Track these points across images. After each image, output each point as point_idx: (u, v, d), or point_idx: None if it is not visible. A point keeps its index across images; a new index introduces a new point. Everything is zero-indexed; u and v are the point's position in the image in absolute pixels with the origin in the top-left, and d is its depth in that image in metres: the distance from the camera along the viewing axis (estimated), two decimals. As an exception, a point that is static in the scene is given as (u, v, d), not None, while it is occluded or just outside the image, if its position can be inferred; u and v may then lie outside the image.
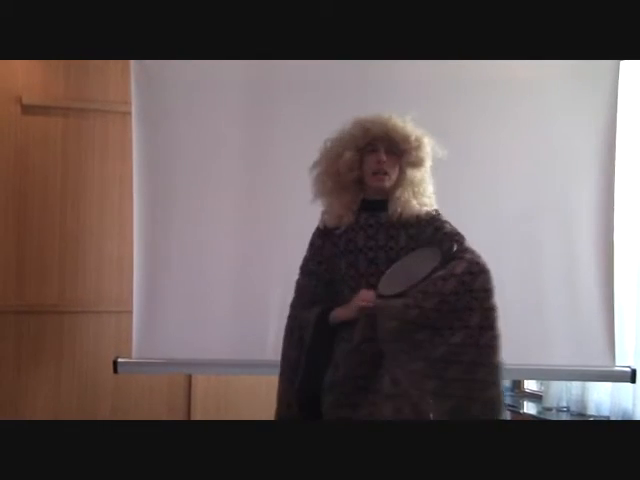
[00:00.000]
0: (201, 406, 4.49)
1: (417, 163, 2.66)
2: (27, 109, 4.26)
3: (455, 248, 2.56)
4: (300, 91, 3.49)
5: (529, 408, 4.26)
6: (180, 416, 4.47)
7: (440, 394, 2.41)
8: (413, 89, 3.42)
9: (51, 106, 4.29)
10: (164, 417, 4.40)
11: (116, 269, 4.35)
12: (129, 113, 3.59)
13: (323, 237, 2.72)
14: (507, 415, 2.55)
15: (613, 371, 3.47)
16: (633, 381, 3.45)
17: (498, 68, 3.38)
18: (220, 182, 3.54)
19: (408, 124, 2.66)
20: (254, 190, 3.53)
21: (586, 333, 3.46)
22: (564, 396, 4.08)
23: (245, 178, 3.55)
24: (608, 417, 3.82)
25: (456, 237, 2.61)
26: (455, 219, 2.70)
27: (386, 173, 2.63)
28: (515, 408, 4.25)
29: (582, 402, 3.96)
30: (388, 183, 2.64)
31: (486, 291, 2.48)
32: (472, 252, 2.56)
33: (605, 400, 3.88)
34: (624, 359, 3.61)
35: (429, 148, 2.67)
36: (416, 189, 2.65)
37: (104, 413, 4.34)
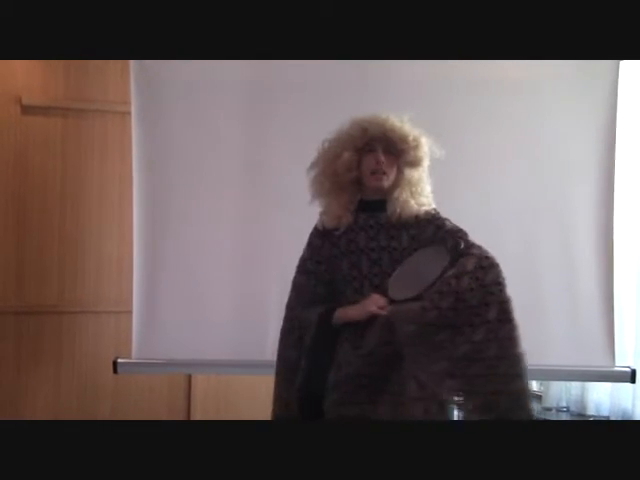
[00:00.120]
0: (201, 406, 4.49)
1: (415, 163, 2.66)
2: (27, 109, 4.26)
3: (462, 245, 2.57)
4: (299, 91, 3.50)
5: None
6: (180, 416, 4.47)
7: (466, 392, 2.42)
8: (411, 89, 3.42)
9: (51, 106, 4.29)
10: (164, 417, 4.40)
11: (115, 269, 4.34)
12: (128, 113, 3.59)
13: (322, 237, 2.72)
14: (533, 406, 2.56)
15: (613, 371, 3.47)
16: (633, 381, 3.45)
17: (498, 68, 3.38)
18: (219, 182, 3.55)
19: (406, 124, 2.66)
20: (253, 190, 3.54)
21: (586, 333, 3.46)
22: (564, 396, 4.07)
23: (244, 178, 3.55)
24: (608, 417, 3.82)
25: (459, 234, 2.62)
26: (452, 219, 2.70)
27: (384, 173, 2.63)
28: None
29: (582, 402, 3.95)
30: (386, 183, 2.65)
31: (499, 284, 2.49)
32: (478, 247, 2.58)
33: (605, 400, 3.87)
34: (624, 359, 3.61)
35: (427, 148, 2.67)
36: (414, 189, 2.66)
37: (104, 413, 4.34)
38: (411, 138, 2.64)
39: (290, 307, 2.76)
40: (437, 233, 2.63)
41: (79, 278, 4.34)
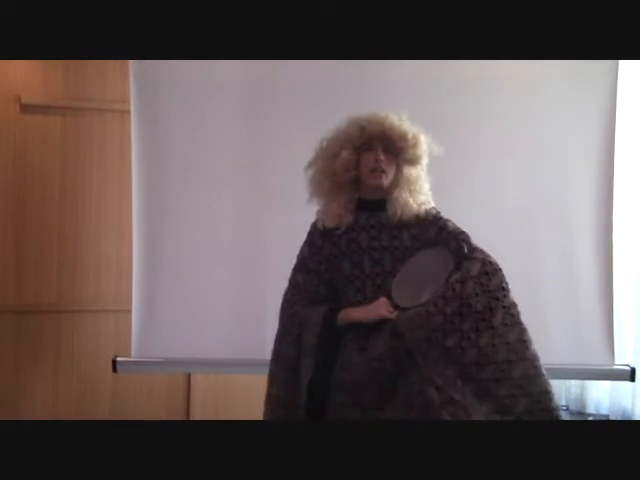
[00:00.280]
0: (200, 406, 4.49)
1: (414, 161, 2.65)
2: (26, 108, 4.26)
3: (466, 249, 2.56)
4: (299, 91, 3.50)
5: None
6: (179, 416, 4.47)
7: (481, 396, 2.42)
8: (412, 88, 3.42)
9: (50, 105, 4.28)
10: (163, 417, 4.39)
11: (114, 268, 4.34)
12: (128, 112, 3.59)
13: (322, 237, 2.71)
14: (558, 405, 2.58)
15: (612, 369, 3.48)
16: (632, 379, 3.45)
17: (497, 68, 3.38)
18: (218, 181, 3.55)
19: (405, 122, 2.65)
20: (252, 189, 3.54)
21: (585, 331, 3.46)
22: (563, 395, 4.08)
23: (243, 177, 3.55)
24: (607, 416, 3.83)
25: (462, 236, 2.62)
26: (451, 219, 2.70)
27: (384, 171, 2.62)
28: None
29: (581, 401, 3.96)
30: (386, 181, 2.63)
31: (503, 289, 2.50)
32: (481, 251, 2.58)
33: (604, 399, 3.88)
34: (623, 357, 3.61)
35: (425, 146, 2.66)
36: (413, 187, 2.65)
37: (103, 412, 4.34)
38: (410, 136, 2.62)
39: (289, 305, 2.73)
40: (440, 234, 2.63)
41: (78, 277, 4.34)
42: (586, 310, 3.47)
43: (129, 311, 3.59)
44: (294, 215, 3.37)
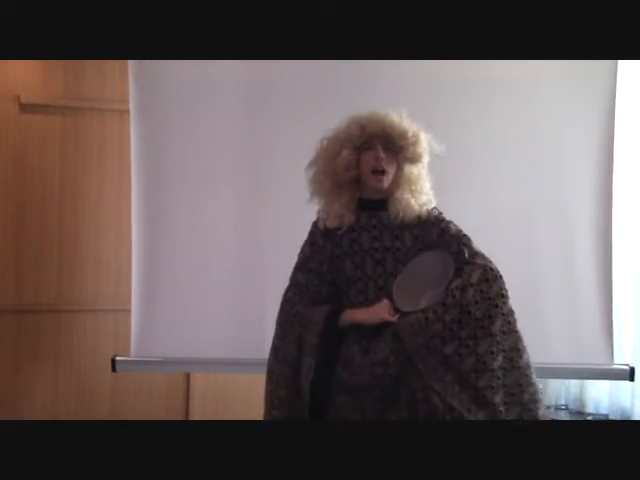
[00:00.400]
0: (199, 406, 4.49)
1: (415, 159, 2.63)
2: (25, 108, 4.26)
3: (467, 254, 2.56)
4: (298, 91, 3.50)
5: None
6: (178, 416, 4.47)
7: (479, 403, 2.41)
8: (410, 88, 3.42)
9: (49, 105, 4.29)
10: (162, 416, 4.39)
11: (114, 268, 4.34)
12: (127, 111, 3.59)
13: (324, 237, 2.69)
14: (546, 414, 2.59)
15: (611, 369, 3.47)
16: (632, 379, 3.45)
17: (495, 68, 3.38)
18: (218, 181, 3.55)
19: (405, 120, 2.63)
20: (252, 189, 3.53)
21: (584, 331, 3.46)
22: (562, 394, 4.09)
23: (243, 177, 3.55)
24: (607, 415, 3.83)
25: (463, 239, 2.61)
26: (451, 218, 2.69)
27: (384, 172, 2.60)
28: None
29: (580, 400, 3.97)
30: (386, 183, 2.62)
31: (503, 296, 2.49)
32: (482, 256, 2.58)
33: (603, 398, 3.88)
34: (622, 357, 3.61)
35: (426, 144, 2.65)
36: (414, 187, 2.63)
37: (102, 412, 4.34)
38: (410, 134, 2.61)
39: (290, 305, 2.71)
40: (442, 236, 2.62)
41: (77, 277, 4.34)
42: (585, 310, 3.46)
43: (128, 311, 3.59)
44: (293, 215, 3.37)
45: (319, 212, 2.72)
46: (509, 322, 2.48)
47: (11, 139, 4.25)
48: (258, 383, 4.36)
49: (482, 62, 3.17)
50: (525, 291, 3.35)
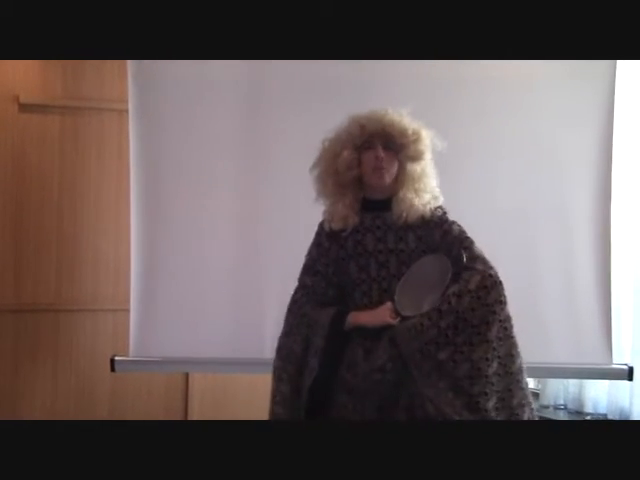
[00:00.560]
0: (198, 406, 4.49)
1: (416, 157, 2.61)
2: (24, 107, 4.26)
3: (465, 258, 2.54)
4: (298, 91, 3.49)
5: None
6: (177, 416, 4.47)
7: (472, 409, 2.40)
8: (411, 87, 3.41)
9: (48, 105, 4.29)
10: (161, 416, 4.39)
11: (113, 267, 4.34)
12: (126, 111, 3.59)
13: (329, 239, 2.69)
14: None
15: (610, 369, 3.47)
16: (630, 379, 3.45)
17: (494, 68, 3.37)
18: (217, 181, 3.54)
19: (405, 118, 2.62)
20: (252, 189, 3.53)
21: (583, 331, 3.46)
22: (561, 394, 4.09)
23: (243, 177, 3.54)
24: (605, 415, 3.83)
25: (465, 243, 2.59)
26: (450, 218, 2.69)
27: (385, 168, 2.59)
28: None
29: (579, 400, 3.97)
30: (388, 179, 2.61)
31: (501, 303, 2.47)
32: (483, 260, 2.55)
33: (602, 398, 3.89)
34: (621, 357, 3.62)
35: (428, 141, 2.63)
36: (417, 185, 2.61)
37: (101, 412, 4.34)
38: (410, 132, 2.60)
39: (297, 306, 2.71)
40: (444, 239, 2.60)
41: (76, 276, 4.34)
42: (584, 309, 3.46)
43: (127, 310, 3.58)
44: (292, 215, 3.39)
45: (324, 213, 2.72)
46: (505, 328, 2.47)
47: (10, 139, 4.25)
48: (257, 383, 4.39)
49: (480, 62, 3.17)
50: (524, 291, 3.36)
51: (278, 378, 2.67)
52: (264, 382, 4.01)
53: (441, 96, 3.45)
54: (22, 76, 4.26)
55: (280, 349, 2.71)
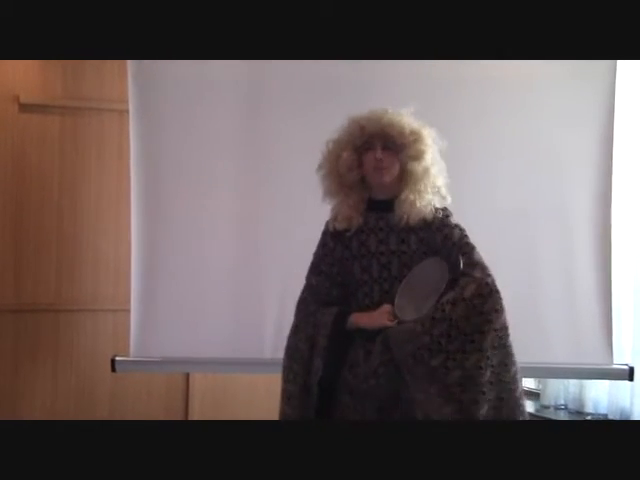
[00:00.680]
0: (198, 406, 4.49)
1: (416, 156, 2.59)
2: (24, 108, 4.26)
3: (462, 265, 2.52)
4: (298, 91, 3.49)
5: (527, 406, 4.25)
6: (178, 416, 4.47)
7: (461, 417, 2.39)
8: (411, 87, 3.40)
9: (48, 105, 4.29)
10: (162, 417, 4.39)
11: (113, 267, 4.35)
12: (126, 111, 3.59)
13: (334, 239, 2.69)
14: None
15: (611, 369, 3.47)
16: (631, 379, 3.45)
17: (494, 68, 3.37)
18: (218, 181, 3.54)
19: (404, 118, 2.61)
20: (252, 189, 3.53)
21: (584, 331, 3.46)
22: (562, 394, 4.08)
23: (243, 177, 3.54)
24: (606, 415, 3.83)
25: (464, 249, 2.57)
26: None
27: (385, 168, 2.58)
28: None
29: (580, 400, 3.96)
30: (388, 179, 2.60)
31: (496, 311, 2.45)
32: (482, 268, 2.54)
33: (603, 398, 3.88)
34: (622, 357, 3.61)
35: (429, 140, 2.62)
36: (419, 186, 2.59)
37: (101, 412, 4.34)
38: (408, 132, 2.59)
39: (304, 305, 2.72)
40: (444, 243, 2.59)
41: (76, 276, 4.35)
42: (585, 309, 3.46)
43: (127, 310, 3.58)
44: (293, 215, 3.39)
45: (332, 210, 2.72)
46: (501, 337, 2.45)
47: (10, 139, 4.26)
48: (257, 383, 4.39)
49: (480, 62, 3.17)
50: (524, 291, 3.36)
51: (286, 378, 2.68)
52: (264, 382, 4.04)
53: (441, 96, 3.44)
54: (22, 76, 4.26)
55: (288, 348, 2.71)
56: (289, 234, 3.41)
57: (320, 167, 2.70)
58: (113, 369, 3.57)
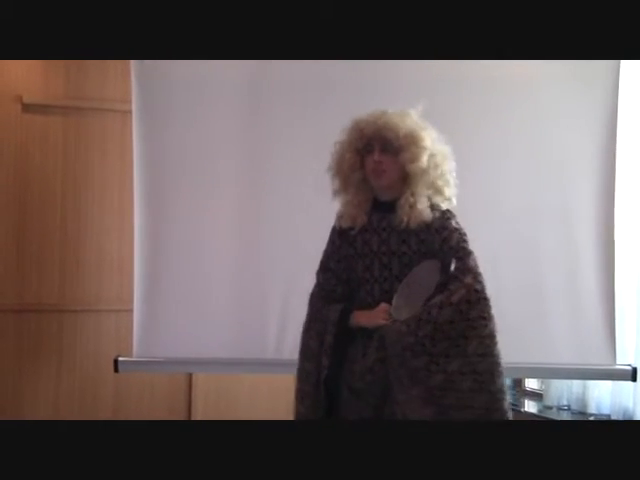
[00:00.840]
0: (201, 406, 4.49)
1: (414, 159, 2.59)
2: (27, 108, 4.26)
3: (453, 267, 2.52)
4: (300, 91, 3.49)
5: (530, 406, 4.26)
6: (180, 416, 4.47)
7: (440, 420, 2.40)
8: (412, 88, 3.40)
9: (51, 105, 4.30)
10: (164, 417, 4.39)
11: (116, 268, 4.35)
12: (128, 112, 3.59)
13: (340, 237, 2.71)
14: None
15: (614, 369, 3.47)
16: (634, 379, 3.45)
17: (497, 68, 3.37)
18: (220, 181, 3.54)
19: (403, 119, 2.61)
20: (255, 189, 3.53)
21: (587, 331, 3.46)
22: (565, 394, 4.08)
23: (245, 177, 3.55)
24: (609, 415, 3.82)
25: (460, 253, 2.57)
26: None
27: (383, 170, 2.60)
28: (516, 406, 4.26)
29: (583, 400, 3.96)
30: (386, 181, 2.62)
31: (484, 319, 2.46)
32: (474, 274, 2.53)
33: (606, 398, 3.87)
34: (624, 357, 3.61)
35: (426, 142, 2.60)
36: (418, 188, 2.60)
37: (105, 412, 4.34)
38: (403, 134, 2.58)
39: (314, 301, 2.75)
40: (442, 246, 2.58)
41: (80, 276, 4.35)
42: (588, 310, 3.46)
43: (130, 311, 3.59)
44: (295, 215, 3.39)
45: (338, 212, 2.75)
46: (487, 345, 2.44)
47: (13, 139, 4.26)
48: (260, 383, 4.39)
49: (483, 62, 3.16)
50: (528, 292, 3.36)
51: (298, 377, 2.71)
52: (267, 382, 4.04)
53: (442, 97, 3.42)
54: (25, 76, 4.26)
55: (301, 346, 2.74)
56: (292, 235, 3.41)
57: (329, 167, 2.72)
58: (116, 369, 3.57)
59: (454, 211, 2.67)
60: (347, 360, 2.60)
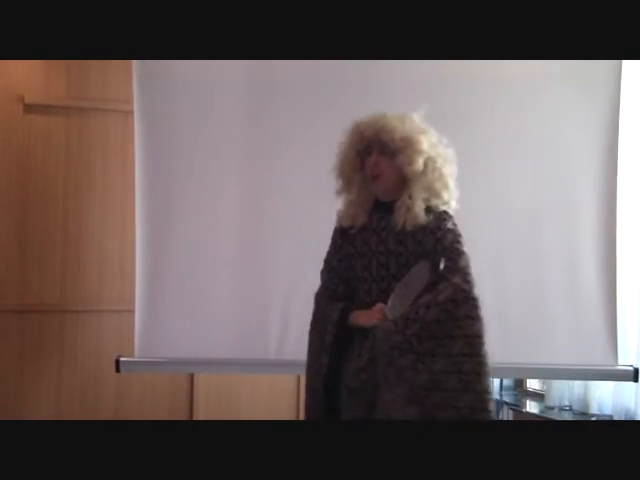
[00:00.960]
0: (203, 406, 4.49)
1: (410, 162, 2.59)
2: (29, 108, 4.27)
3: (442, 266, 2.50)
4: (301, 91, 3.49)
5: (531, 407, 4.26)
6: (182, 416, 4.47)
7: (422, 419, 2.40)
8: (414, 88, 3.41)
9: (53, 105, 4.30)
10: (166, 417, 4.39)
11: (118, 268, 4.35)
12: (131, 112, 3.60)
13: (341, 236, 2.73)
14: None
15: (616, 370, 3.48)
16: (636, 380, 3.45)
17: (499, 68, 3.37)
18: (222, 181, 3.55)
19: (400, 123, 2.61)
20: (256, 190, 3.53)
21: (589, 332, 3.46)
22: (566, 395, 4.08)
23: (247, 177, 3.55)
24: (611, 416, 3.82)
25: (452, 253, 2.56)
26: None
27: (379, 176, 2.62)
28: (517, 407, 4.26)
29: (584, 401, 3.96)
30: (382, 185, 2.63)
31: (471, 318, 2.45)
32: (463, 274, 2.52)
33: (607, 399, 3.87)
34: (626, 358, 3.60)
35: (423, 145, 2.60)
36: (415, 191, 2.60)
37: (106, 412, 4.34)
38: (398, 137, 2.59)
39: (318, 300, 2.76)
40: (435, 247, 2.58)
41: (81, 277, 4.35)
42: (590, 311, 3.46)
43: (132, 311, 3.59)
44: (298, 215, 3.39)
45: (342, 206, 2.76)
46: (473, 345, 2.44)
47: (15, 139, 4.26)
48: (262, 383, 4.39)
49: (487, 62, 3.16)
50: (530, 292, 3.36)
51: (306, 374, 2.72)
52: (268, 382, 4.04)
53: (446, 97, 3.44)
54: (27, 77, 4.26)
55: (308, 345, 2.75)
56: (294, 235, 3.41)
57: (333, 167, 2.73)
58: (118, 369, 3.58)
59: (456, 213, 2.67)
60: (345, 359, 2.61)
